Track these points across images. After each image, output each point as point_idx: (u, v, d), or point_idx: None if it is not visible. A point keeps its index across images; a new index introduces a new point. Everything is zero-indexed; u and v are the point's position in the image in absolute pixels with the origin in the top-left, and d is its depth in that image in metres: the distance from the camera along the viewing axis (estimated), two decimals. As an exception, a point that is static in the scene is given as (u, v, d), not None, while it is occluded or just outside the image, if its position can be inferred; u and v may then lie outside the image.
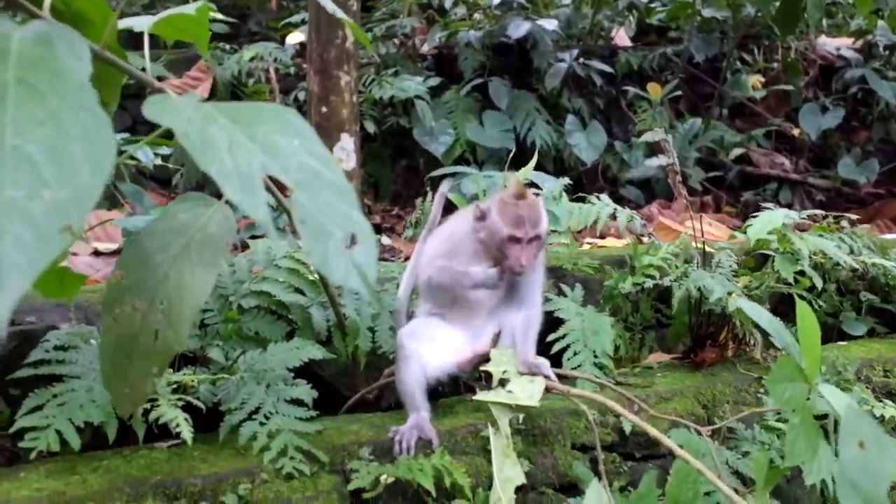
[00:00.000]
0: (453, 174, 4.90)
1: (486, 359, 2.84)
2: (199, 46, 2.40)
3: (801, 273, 3.64)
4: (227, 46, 7.69)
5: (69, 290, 2.51)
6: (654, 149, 5.69)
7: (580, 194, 3.87)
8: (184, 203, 2.33)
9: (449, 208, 3.34)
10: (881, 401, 3.33)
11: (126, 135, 5.47)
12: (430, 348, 2.80)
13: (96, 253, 4.53)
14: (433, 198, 3.34)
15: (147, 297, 2.17)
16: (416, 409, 2.74)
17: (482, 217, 2.74)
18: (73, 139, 1.30)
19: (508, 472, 2.66)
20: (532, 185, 4.01)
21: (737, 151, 7.49)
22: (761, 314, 2.50)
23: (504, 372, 2.89)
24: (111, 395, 2.30)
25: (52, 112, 1.33)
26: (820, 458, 2.47)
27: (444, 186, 3.14)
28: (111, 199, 5.90)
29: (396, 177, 7.16)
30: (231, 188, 1.42)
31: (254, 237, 4.13)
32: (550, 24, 7.22)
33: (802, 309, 2.32)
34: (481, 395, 2.79)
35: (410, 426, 2.69)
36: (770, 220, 3.57)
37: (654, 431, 2.42)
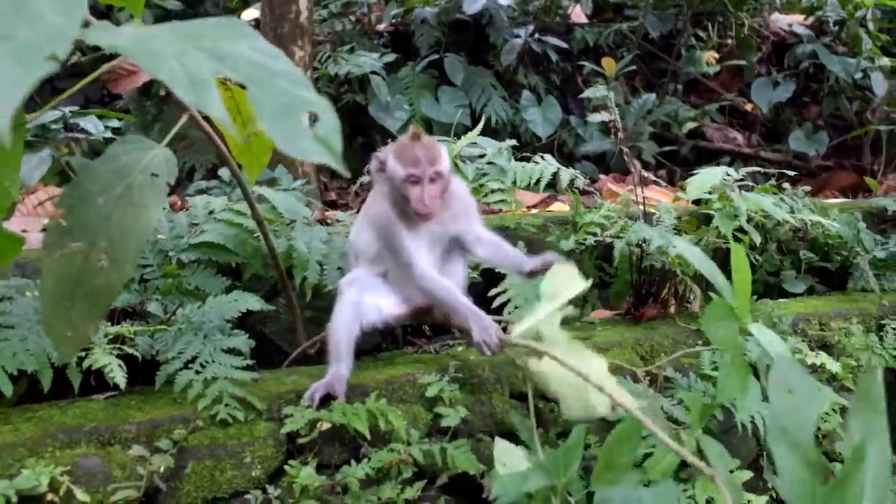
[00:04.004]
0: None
1: (426, 311, 2.85)
2: (132, 8, 2.39)
3: (743, 231, 3.70)
4: (182, 24, 7.63)
5: (7, 255, 2.46)
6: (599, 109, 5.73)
7: (526, 154, 3.90)
8: (125, 145, 2.33)
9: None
10: (814, 350, 3.41)
11: (75, 108, 5.44)
12: (371, 297, 2.80)
13: (45, 230, 4.49)
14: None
15: (89, 238, 2.17)
16: (338, 362, 2.68)
17: (382, 167, 2.70)
18: None
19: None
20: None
21: (690, 126, 7.56)
22: (694, 253, 2.55)
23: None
24: (52, 340, 2.28)
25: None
26: (750, 395, 2.54)
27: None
28: (62, 175, 5.85)
29: (353, 154, 7.14)
30: (183, 90, 1.45)
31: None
32: (506, 0, 7.24)
33: (737, 251, 2.38)
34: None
35: (325, 381, 2.63)
36: (709, 177, 3.62)
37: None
